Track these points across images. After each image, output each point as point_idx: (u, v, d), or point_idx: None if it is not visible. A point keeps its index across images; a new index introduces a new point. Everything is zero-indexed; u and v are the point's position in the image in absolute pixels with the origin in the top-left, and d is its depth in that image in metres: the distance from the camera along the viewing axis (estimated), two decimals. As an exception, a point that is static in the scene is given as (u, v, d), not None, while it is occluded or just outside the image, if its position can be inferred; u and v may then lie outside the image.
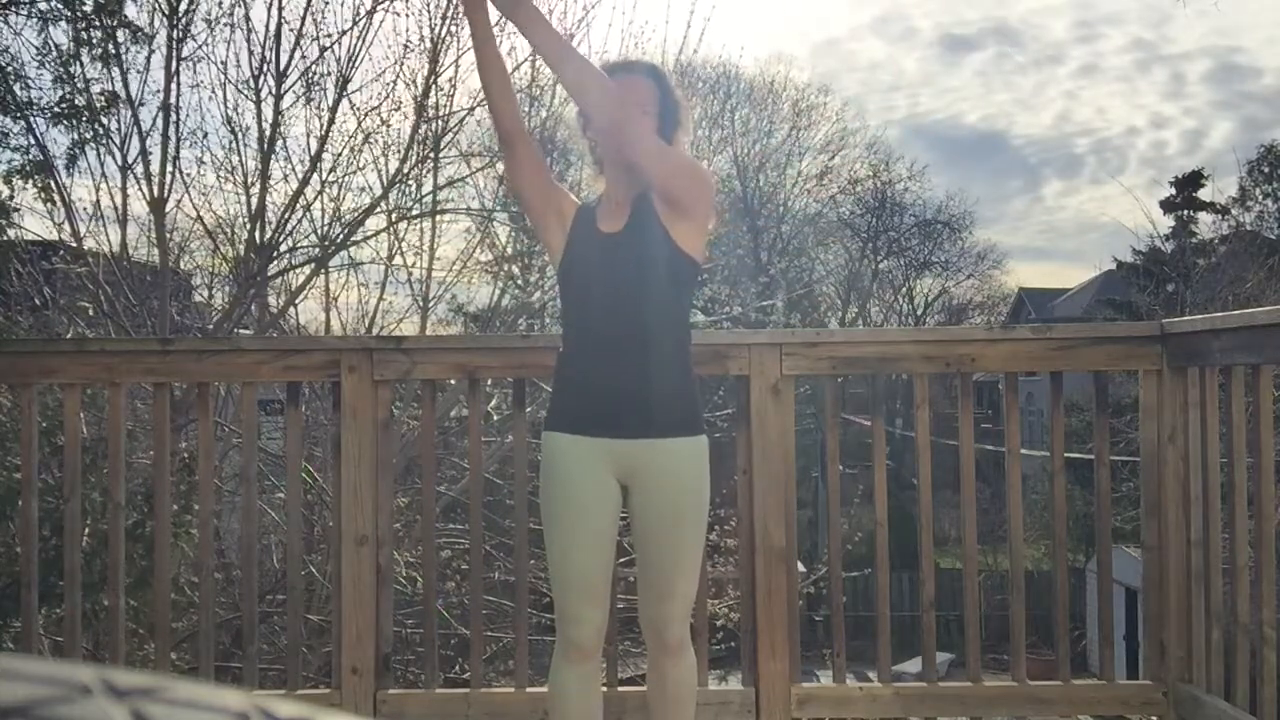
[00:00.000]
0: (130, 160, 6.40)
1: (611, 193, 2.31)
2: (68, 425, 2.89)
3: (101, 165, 6.39)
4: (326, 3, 6.60)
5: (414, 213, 7.39)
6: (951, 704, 2.86)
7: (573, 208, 2.37)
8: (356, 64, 6.72)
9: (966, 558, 2.97)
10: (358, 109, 6.86)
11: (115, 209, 6.50)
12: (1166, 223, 21.44)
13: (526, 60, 7.36)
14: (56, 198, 6.28)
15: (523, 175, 2.39)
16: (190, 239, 7.53)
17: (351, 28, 6.61)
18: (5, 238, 5.59)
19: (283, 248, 6.88)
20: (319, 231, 7.04)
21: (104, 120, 6.37)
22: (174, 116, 6.39)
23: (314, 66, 6.66)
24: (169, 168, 6.44)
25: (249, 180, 6.74)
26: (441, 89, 7.09)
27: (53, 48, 6.24)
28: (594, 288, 2.25)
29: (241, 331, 6.82)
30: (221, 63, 6.60)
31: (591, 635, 2.25)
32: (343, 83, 6.71)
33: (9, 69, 6.18)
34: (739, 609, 3.04)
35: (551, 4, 7.40)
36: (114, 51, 6.28)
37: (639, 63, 2.48)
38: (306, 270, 7.16)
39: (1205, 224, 21.70)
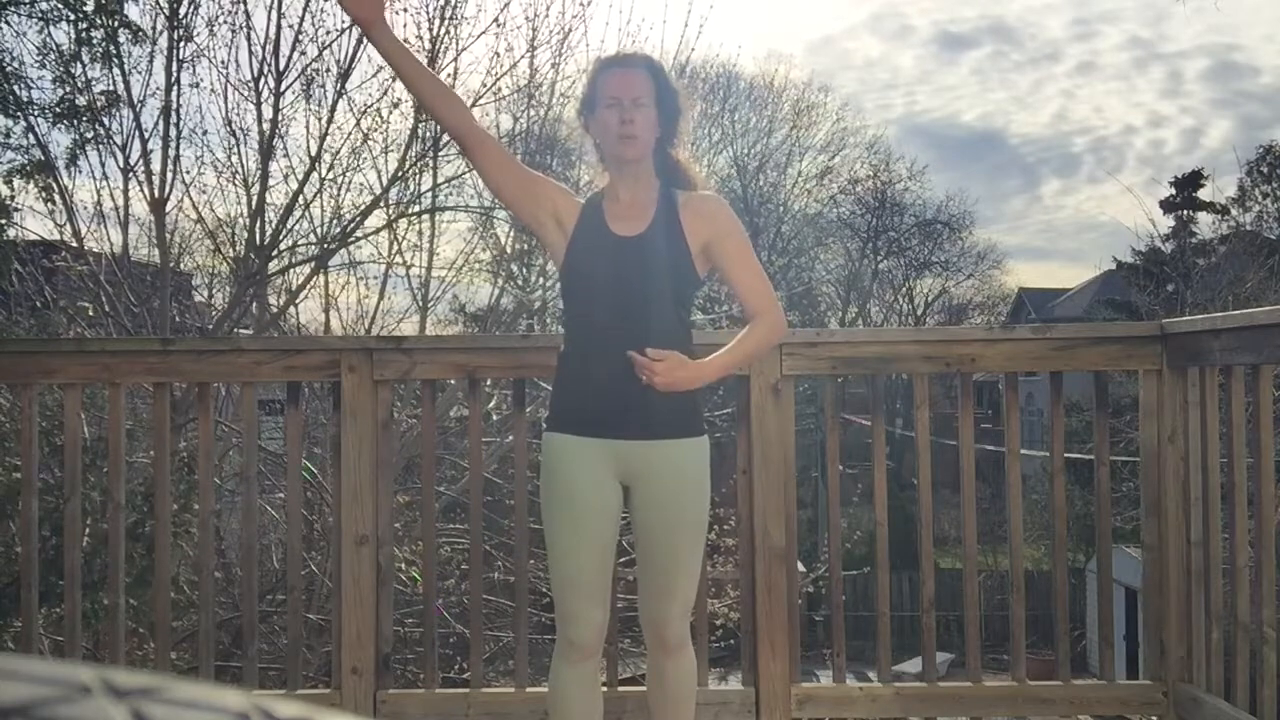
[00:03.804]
0: (132, 161, 6.41)
1: (618, 192, 2.29)
2: (68, 425, 2.89)
3: (103, 166, 6.41)
4: (326, 0, 6.61)
5: (413, 210, 7.40)
6: (951, 704, 2.86)
7: (571, 204, 2.33)
8: (355, 63, 6.73)
9: (966, 558, 2.97)
10: (356, 107, 6.88)
11: (116, 209, 6.51)
12: (1166, 223, 21.46)
13: (524, 57, 7.38)
14: (57, 198, 6.29)
15: (489, 173, 2.35)
16: (191, 239, 7.55)
17: (350, 26, 6.62)
18: (5, 238, 5.59)
19: (282, 246, 6.89)
20: (319, 231, 7.05)
21: (105, 121, 6.38)
22: (174, 117, 6.40)
23: (313, 65, 6.67)
24: (169, 168, 6.45)
25: (249, 180, 6.75)
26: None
27: (53, 48, 6.24)
28: (604, 288, 2.23)
29: (241, 331, 6.83)
30: (222, 63, 6.62)
31: (592, 635, 2.25)
32: (342, 81, 6.72)
33: (10, 69, 6.18)
34: (739, 609, 3.04)
35: (548, 0, 7.41)
36: (115, 52, 6.28)
37: (633, 55, 2.46)
38: (306, 270, 7.17)
39: (1205, 224, 21.72)
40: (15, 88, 6.18)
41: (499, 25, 7.22)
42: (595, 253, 2.25)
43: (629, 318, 2.20)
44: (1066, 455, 2.97)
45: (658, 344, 2.20)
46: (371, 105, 6.88)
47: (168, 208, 6.51)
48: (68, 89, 6.28)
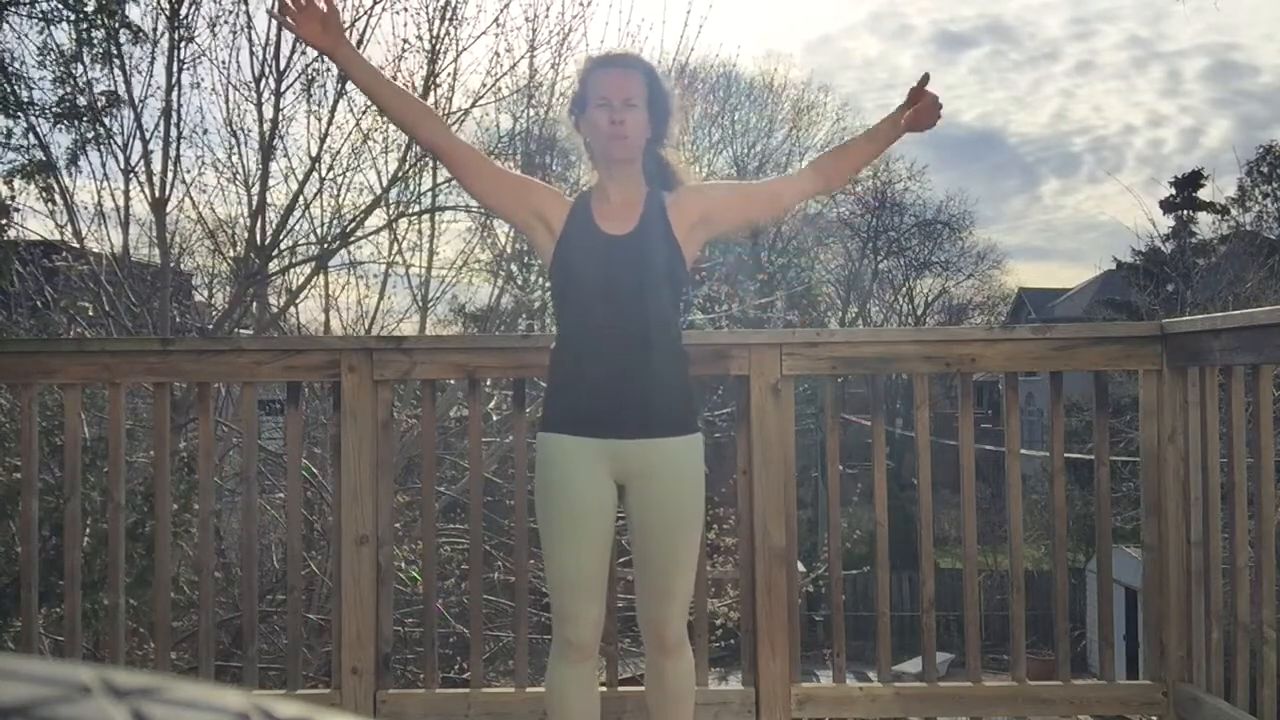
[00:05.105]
0: (133, 162, 6.42)
1: (608, 191, 2.30)
2: (68, 425, 2.89)
3: (103, 166, 6.41)
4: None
5: (413, 210, 7.41)
6: (951, 704, 2.86)
7: (558, 204, 2.33)
8: (356, 63, 6.72)
9: (966, 558, 2.97)
10: (356, 107, 6.88)
11: (117, 210, 6.51)
12: (1166, 223, 21.46)
13: (524, 57, 7.38)
14: (58, 198, 6.29)
15: (469, 182, 2.39)
16: (191, 239, 7.55)
17: (349, 26, 6.62)
18: (5, 238, 5.59)
19: (283, 246, 6.89)
20: (319, 231, 7.05)
21: (105, 121, 6.38)
22: (175, 117, 6.40)
23: (313, 65, 6.67)
24: (170, 168, 6.45)
25: (249, 180, 6.76)
26: (440, 87, 7.10)
27: (54, 48, 6.24)
28: (597, 289, 2.23)
29: (242, 331, 6.83)
30: (223, 64, 6.62)
31: (589, 634, 2.25)
32: (342, 81, 6.72)
33: (11, 70, 6.18)
34: (739, 609, 3.04)
35: (548, 1, 7.41)
36: (115, 52, 6.28)
37: (625, 55, 2.47)
38: (306, 270, 7.18)
39: (1205, 224, 21.72)
40: (16, 88, 6.17)
41: (499, 26, 7.23)
42: (585, 253, 2.25)
43: (623, 316, 2.21)
44: (1066, 455, 2.97)
45: (653, 342, 2.22)
46: (372, 105, 6.88)
47: (168, 208, 6.52)
48: (68, 89, 6.27)
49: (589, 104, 2.24)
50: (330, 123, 6.84)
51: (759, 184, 2.53)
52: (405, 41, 6.94)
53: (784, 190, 2.51)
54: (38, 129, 6.22)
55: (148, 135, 6.44)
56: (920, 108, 2.37)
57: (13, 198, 5.89)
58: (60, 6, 6.13)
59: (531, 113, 7.75)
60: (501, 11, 7.23)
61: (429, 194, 7.45)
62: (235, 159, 6.76)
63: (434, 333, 8.23)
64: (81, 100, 6.27)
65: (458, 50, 7.12)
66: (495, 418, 7.00)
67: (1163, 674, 2.79)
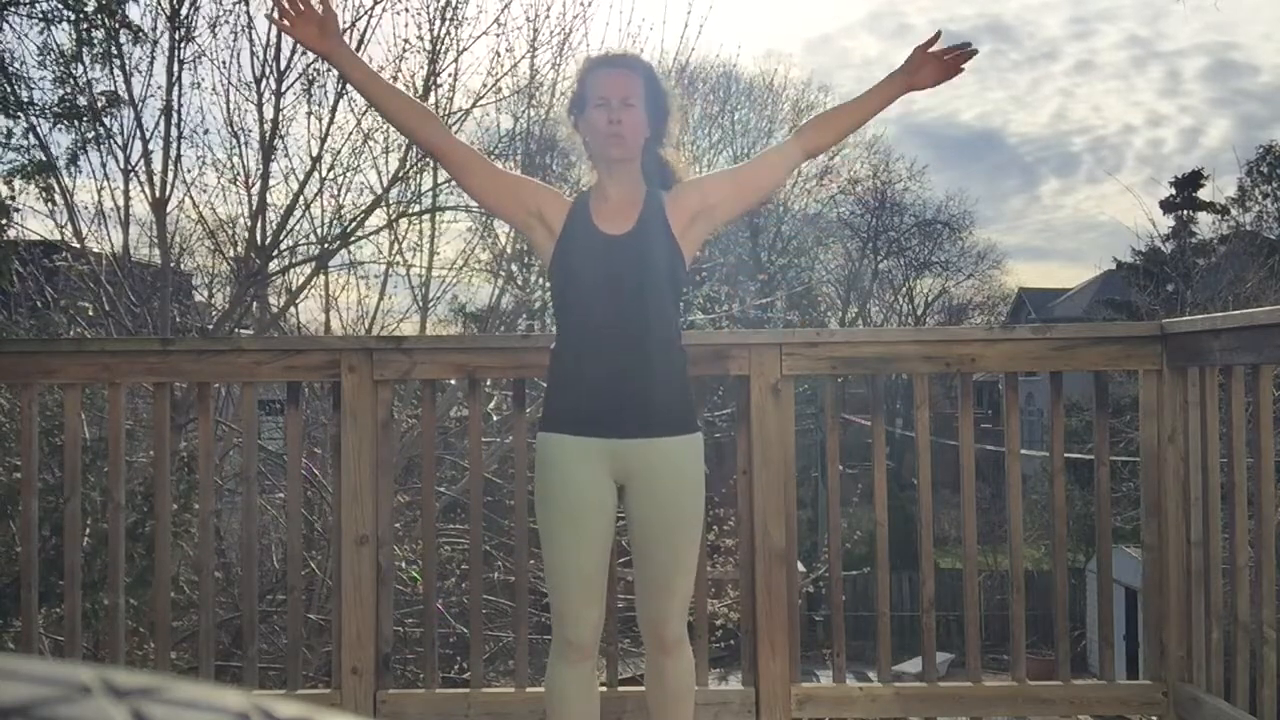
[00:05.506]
0: (133, 162, 6.41)
1: (607, 191, 2.30)
2: (68, 425, 2.89)
3: (103, 166, 6.41)
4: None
5: (414, 210, 7.41)
6: (951, 704, 2.86)
7: (557, 203, 2.33)
8: (356, 63, 6.72)
9: (966, 558, 2.97)
10: (357, 107, 6.88)
11: (117, 209, 6.51)
12: (1166, 223, 21.46)
13: (525, 58, 7.38)
14: (58, 198, 6.29)
15: (466, 181, 2.39)
16: (191, 239, 7.55)
17: (350, 26, 6.62)
18: (5, 238, 5.59)
19: (283, 246, 6.89)
20: (319, 231, 7.05)
21: (105, 121, 6.38)
22: (175, 117, 6.40)
23: (314, 65, 6.67)
24: (170, 168, 6.45)
25: (250, 180, 6.75)
26: (440, 87, 7.11)
27: (54, 48, 6.24)
28: (597, 289, 2.23)
29: (242, 331, 6.83)
30: (223, 64, 6.62)
31: (589, 634, 2.25)
32: (342, 81, 6.72)
33: (11, 70, 6.18)
34: (739, 609, 3.04)
35: (549, 1, 7.41)
36: (115, 52, 6.28)
37: (623, 55, 2.47)
38: (307, 270, 7.18)
39: (1205, 224, 21.72)
40: (16, 88, 6.17)
41: (499, 26, 7.24)
42: (584, 253, 2.25)
43: (623, 316, 2.21)
44: (1066, 455, 2.97)
45: (653, 342, 2.22)
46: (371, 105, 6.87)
47: (168, 208, 6.52)
48: (68, 89, 6.27)
49: (587, 104, 2.25)
50: (331, 123, 6.85)
51: (749, 165, 2.50)
52: (406, 42, 6.95)
53: (774, 166, 2.45)
54: (38, 129, 6.22)
55: (148, 135, 6.45)
56: (928, 68, 2.35)
57: (13, 198, 5.88)
58: (60, 6, 6.12)
59: (532, 113, 7.76)
60: (502, 11, 7.25)
61: (429, 194, 7.45)
62: (235, 159, 6.77)
63: (434, 333, 8.23)
64: (81, 100, 6.26)
65: (458, 50, 7.13)
66: (495, 418, 7.00)
67: (1163, 674, 2.79)
